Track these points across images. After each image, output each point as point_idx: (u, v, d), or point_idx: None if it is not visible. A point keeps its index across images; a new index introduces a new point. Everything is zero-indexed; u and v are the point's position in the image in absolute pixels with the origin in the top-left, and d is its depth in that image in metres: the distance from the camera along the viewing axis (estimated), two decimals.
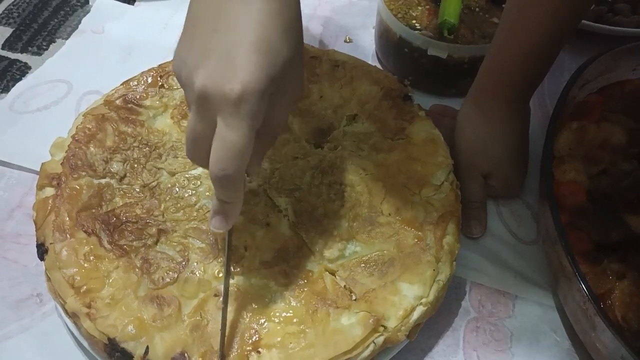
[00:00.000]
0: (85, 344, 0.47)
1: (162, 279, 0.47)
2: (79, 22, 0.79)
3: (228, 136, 0.37)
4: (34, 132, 0.65)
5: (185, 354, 0.44)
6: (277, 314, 0.47)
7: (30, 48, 0.76)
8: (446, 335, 0.54)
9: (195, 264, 0.49)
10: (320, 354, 0.44)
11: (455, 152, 0.60)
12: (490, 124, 0.60)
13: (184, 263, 0.49)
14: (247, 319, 0.46)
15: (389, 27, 0.71)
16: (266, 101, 0.37)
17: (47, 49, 0.76)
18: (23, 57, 0.75)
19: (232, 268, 0.49)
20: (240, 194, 0.41)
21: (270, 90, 0.37)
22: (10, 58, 0.75)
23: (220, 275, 0.49)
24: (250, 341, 0.45)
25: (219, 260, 0.49)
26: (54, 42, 0.77)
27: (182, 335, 0.45)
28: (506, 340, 0.54)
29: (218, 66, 0.36)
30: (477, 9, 0.72)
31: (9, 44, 0.76)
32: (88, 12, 0.80)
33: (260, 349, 0.44)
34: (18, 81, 0.71)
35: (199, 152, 0.40)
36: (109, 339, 0.44)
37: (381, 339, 0.45)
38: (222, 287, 0.48)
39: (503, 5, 0.60)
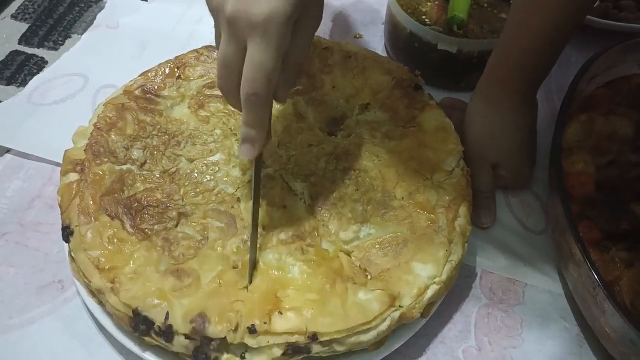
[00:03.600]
0: (108, 325, 0.49)
1: (183, 255, 0.49)
2: (94, 18, 0.80)
3: (257, 57, 0.40)
4: (52, 124, 0.67)
5: (204, 315, 0.44)
6: (297, 283, 0.48)
7: (46, 43, 0.77)
8: (458, 321, 0.55)
9: (214, 241, 0.50)
10: (340, 324, 0.45)
11: (465, 143, 0.61)
12: (500, 115, 0.61)
13: (203, 241, 0.50)
14: (267, 286, 0.47)
15: (399, 23, 0.72)
16: (291, 27, 0.41)
17: (63, 44, 0.77)
18: (40, 52, 0.76)
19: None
20: (267, 120, 0.44)
21: (294, 16, 0.41)
22: (27, 53, 0.76)
23: (237, 250, 0.50)
24: (272, 302, 0.46)
25: (238, 238, 0.50)
26: (70, 37, 0.79)
27: (200, 301, 0.46)
28: (517, 326, 0.55)
29: None
30: (486, 5, 0.73)
31: (25, 39, 0.78)
32: (103, 7, 0.81)
33: (281, 311, 0.45)
34: (35, 75, 0.72)
35: (228, 78, 0.43)
36: (132, 310, 0.45)
37: (397, 315, 0.46)
38: (240, 261, 0.49)
39: (511, 1, 0.61)
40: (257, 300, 0.46)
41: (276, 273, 0.48)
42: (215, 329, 0.44)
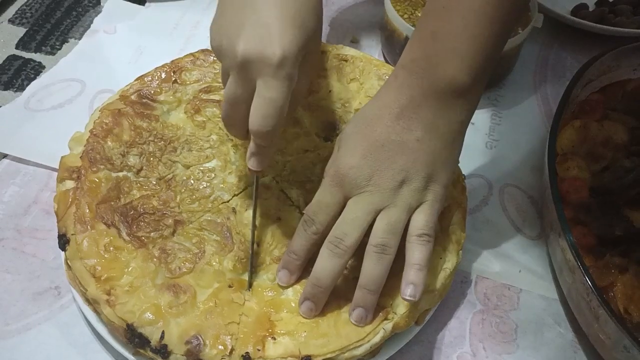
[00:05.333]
0: (104, 332, 0.49)
1: (179, 268, 0.49)
2: (91, 22, 0.80)
3: (269, 95, 0.42)
4: (49, 129, 0.67)
5: (199, 337, 0.45)
6: (290, 305, 0.48)
7: (43, 48, 0.77)
8: (453, 327, 0.55)
9: (211, 255, 0.50)
10: (333, 344, 0.45)
11: None
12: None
13: (200, 254, 0.50)
14: (260, 309, 0.48)
15: (396, 28, 0.72)
16: (298, 65, 0.43)
17: (60, 49, 0.77)
18: (37, 57, 0.76)
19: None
20: (276, 140, 0.46)
21: (302, 55, 0.43)
22: (24, 57, 0.76)
23: (233, 268, 0.50)
24: (265, 327, 0.46)
25: (234, 253, 0.51)
26: (67, 42, 0.78)
27: (196, 320, 0.46)
28: (511, 332, 0.55)
29: (258, 36, 0.41)
30: None
31: (22, 44, 0.78)
32: (100, 12, 0.81)
33: (274, 336, 0.45)
34: (32, 80, 0.72)
35: (234, 115, 0.45)
36: (127, 324, 0.45)
37: (390, 326, 0.47)
38: (235, 280, 0.49)
39: None
40: (251, 325, 0.46)
41: (270, 294, 0.49)
42: (210, 353, 0.44)
